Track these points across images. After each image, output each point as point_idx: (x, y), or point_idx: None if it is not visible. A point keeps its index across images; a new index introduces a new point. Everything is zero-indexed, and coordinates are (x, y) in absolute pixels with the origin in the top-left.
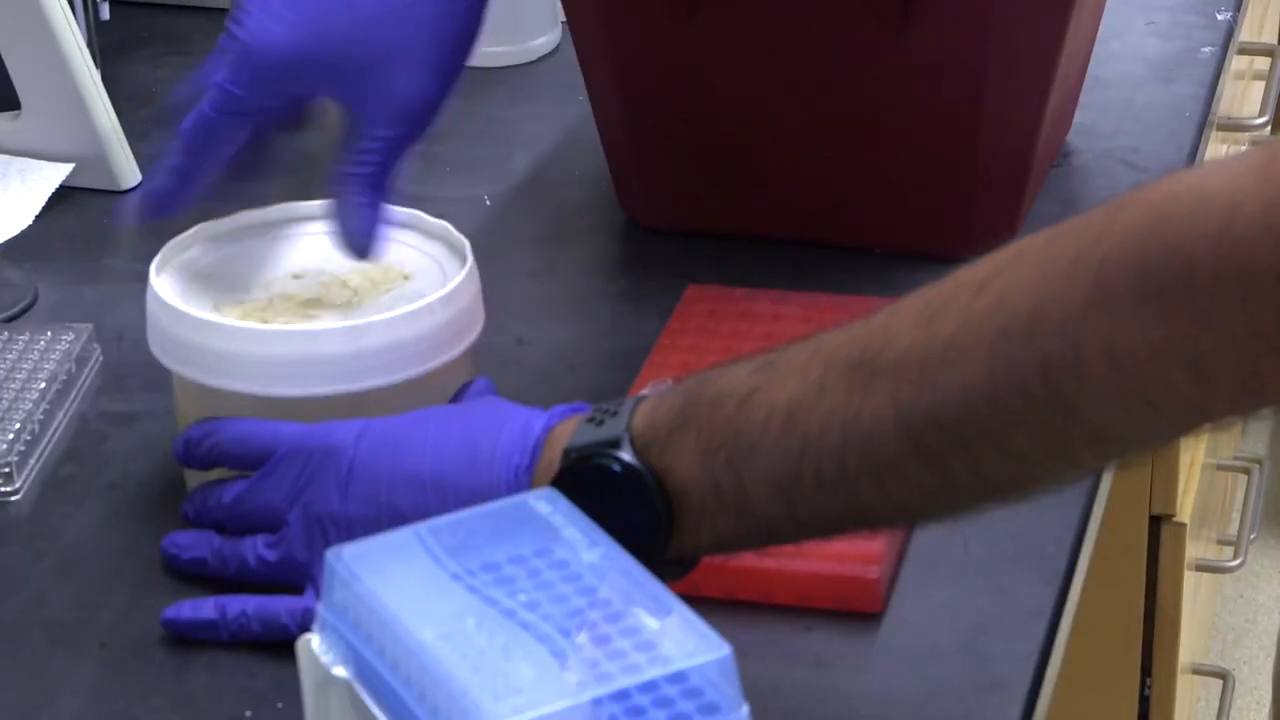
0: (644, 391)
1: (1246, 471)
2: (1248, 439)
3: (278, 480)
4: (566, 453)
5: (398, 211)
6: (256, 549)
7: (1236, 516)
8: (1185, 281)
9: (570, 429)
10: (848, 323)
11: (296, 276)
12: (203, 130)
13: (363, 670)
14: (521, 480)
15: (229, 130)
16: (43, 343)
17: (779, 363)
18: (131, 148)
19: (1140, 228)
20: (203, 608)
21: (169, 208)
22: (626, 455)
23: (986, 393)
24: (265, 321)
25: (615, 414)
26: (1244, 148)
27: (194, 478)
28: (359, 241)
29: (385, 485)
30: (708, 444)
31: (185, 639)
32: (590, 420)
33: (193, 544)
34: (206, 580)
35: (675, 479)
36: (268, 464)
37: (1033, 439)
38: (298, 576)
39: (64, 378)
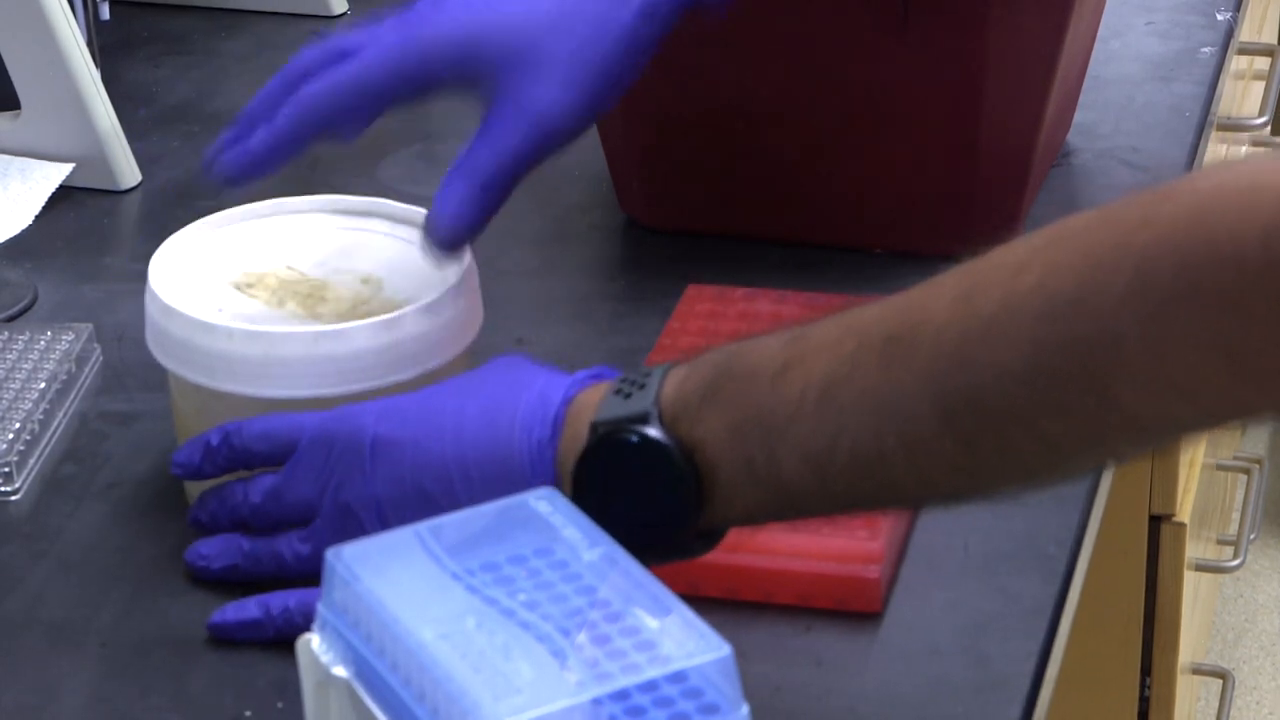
0: (668, 363)
1: (1246, 472)
2: (1248, 439)
3: (305, 471)
4: (594, 427)
5: (398, 210)
6: (292, 546)
7: (1236, 516)
8: (1229, 275)
9: (595, 400)
10: (878, 299)
11: (296, 271)
12: (334, 98)
13: (362, 670)
14: (545, 453)
15: (363, 103)
16: (43, 342)
17: (810, 336)
18: (131, 147)
19: (1185, 219)
20: (246, 608)
21: (261, 172)
22: (655, 431)
23: (1024, 374)
24: (267, 315)
25: (642, 386)
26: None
27: (195, 485)
28: (436, 228)
29: (409, 466)
30: (739, 419)
31: (185, 640)
32: (617, 392)
33: (220, 551)
34: (209, 580)
35: (706, 454)
36: (293, 456)
37: (1067, 424)
38: None
39: (64, 378)
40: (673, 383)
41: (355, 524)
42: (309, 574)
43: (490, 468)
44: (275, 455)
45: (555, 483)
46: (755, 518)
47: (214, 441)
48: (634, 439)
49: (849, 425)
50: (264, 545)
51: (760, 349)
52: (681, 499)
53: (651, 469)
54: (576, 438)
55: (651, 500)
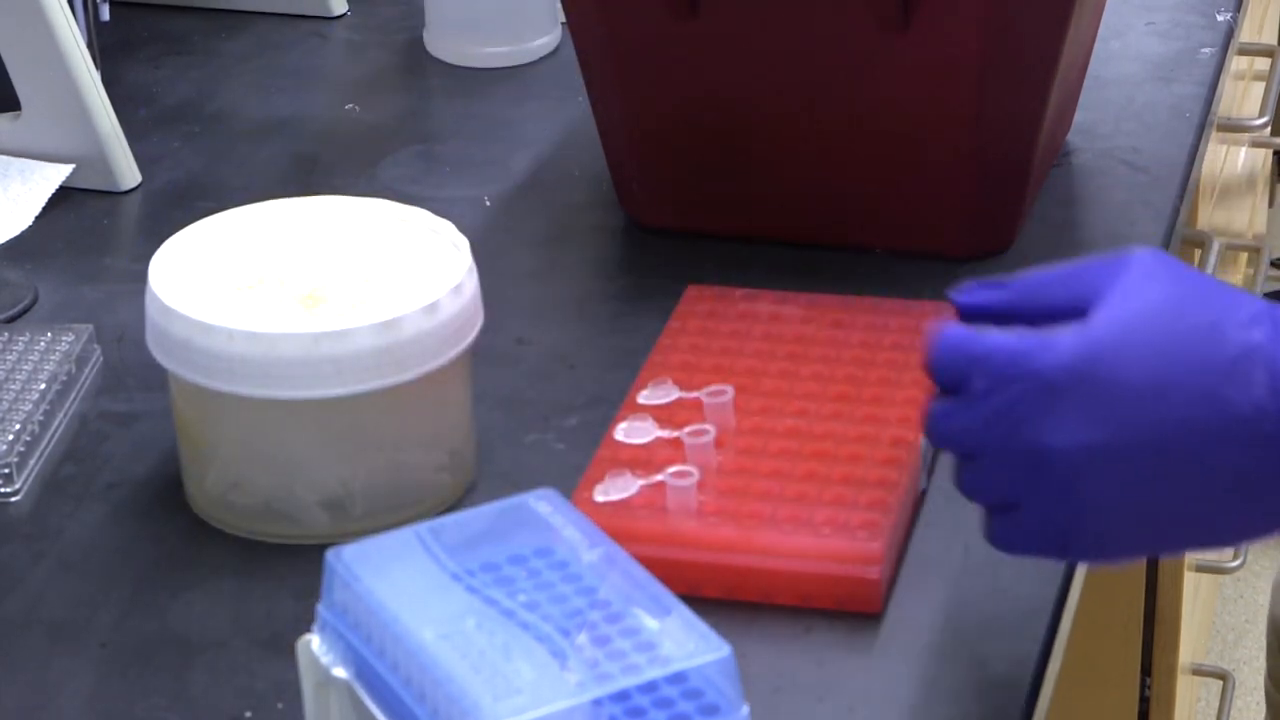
0: None
1: None
2: None
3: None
4: None
5: (399, 210)
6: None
7: None
8: None
9: None
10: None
11: (296, 272)
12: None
13: (363, 671)
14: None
15: None
16: (43, 343)
17: None
18: (131, 148)
19: None
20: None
21: None
22: None
23: None
24: (267, 316)
25: None
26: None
27: (196, 486)
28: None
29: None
30: None
31: (185, 640)
32: None
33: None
34: (217, 582)
35: None
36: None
37: None
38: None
39: (64, 378)
40: None
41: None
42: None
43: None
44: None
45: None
46: None
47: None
48: None
49: None
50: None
51: None
52: None
53: None
54: None
55: None
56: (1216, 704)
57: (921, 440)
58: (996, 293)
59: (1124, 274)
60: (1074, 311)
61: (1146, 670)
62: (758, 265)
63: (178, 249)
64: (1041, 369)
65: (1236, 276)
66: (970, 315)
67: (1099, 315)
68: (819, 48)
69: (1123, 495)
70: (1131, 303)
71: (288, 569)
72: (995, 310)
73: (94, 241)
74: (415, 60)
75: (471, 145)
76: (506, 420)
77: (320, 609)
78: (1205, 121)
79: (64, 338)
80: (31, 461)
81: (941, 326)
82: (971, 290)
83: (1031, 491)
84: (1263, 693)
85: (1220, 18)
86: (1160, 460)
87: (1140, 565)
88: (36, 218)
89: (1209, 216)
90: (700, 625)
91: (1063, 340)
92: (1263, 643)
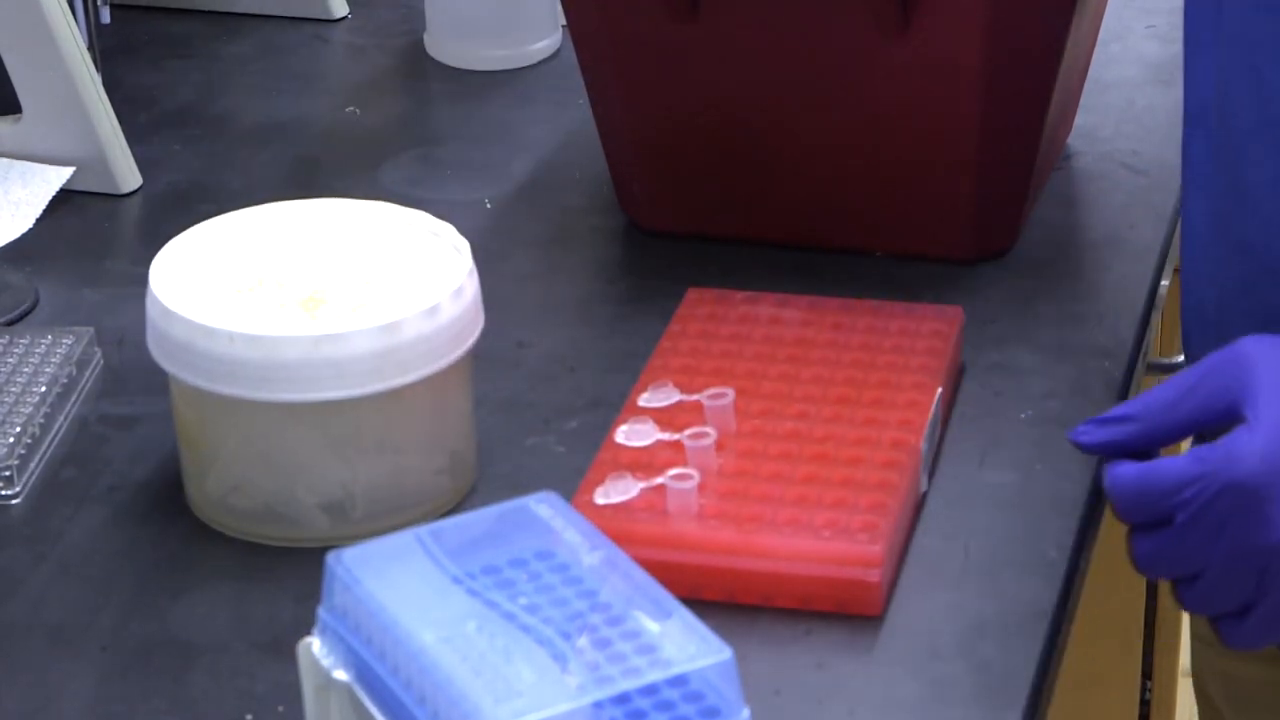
0: None
1: None
2: None
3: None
4: None
5: (399, 212)
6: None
7: None
8: None
9: None
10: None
11: (297, 274)
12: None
13: (363, 674)
14: None
15: None
16: (43, 346)
17: None
18: (132, 151)
19: None
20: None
21: None
22: None
23: None
24: (268, 319)
25: None
26: None
27: (197, 488)
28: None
29: None
30: None
31: (185, 643)
32: None
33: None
34: (217, 585)
35: None
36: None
37: None
38: None
39: (64, 381)
40: None
41: None
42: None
43: None
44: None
45: None
46: None
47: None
48: None
49: None
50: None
51: None
52: None
53: None
54: None
55: None
56: None
57: (921, 442)
58: (1127, 428)
59: (1258, 368)
60: (1221, 419)
61: (1147, 674)
62: (758, 268)
63: (178, 252)
64: (1239, 478)
65: None
66: (1112, 453)
67: (1264, 413)
68: (820, 51)
69: None
70: None
71: (288, 572)
72: (1135, 445)
73: (95, 244)
74: (416, 63)
75: (472, 148)
76: (507, 423)
77: (321, 612)
78: None
79: (64, 340)
80: (32, 464)
81: (1111, 470)
82: (1094, 430)
83: (1264, 591)
84: None
85: None
86: None
87: None
88: (37, 221)
89: None
90: (701, 628)
91: (1244, 446)
92: None
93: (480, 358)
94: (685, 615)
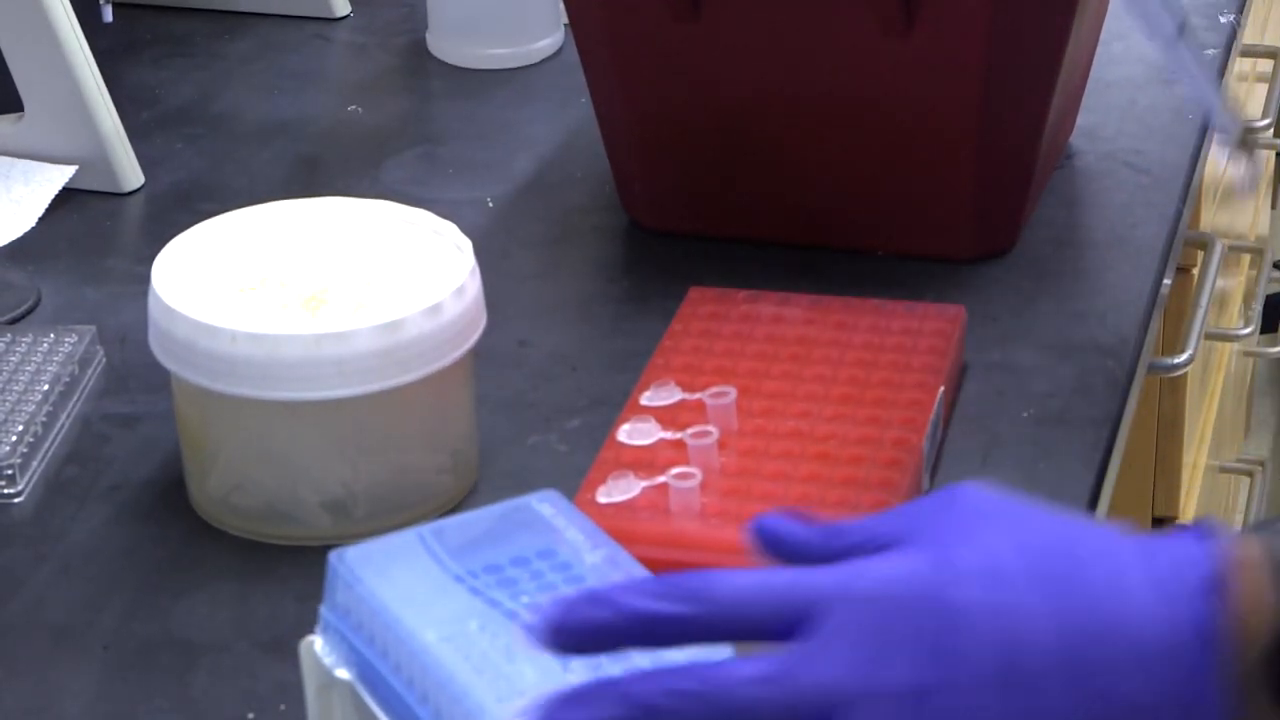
0: None
1: (1249, 474)
2: (1250, 442)
3: (838, 655)
4: None
5: (401, 211)
6: None
7: (1239, 519)
8: None
9: (1260, 555)
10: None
11: (298, 273)
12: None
13: (365, 672)
14: (1212, 632)
15: None
16: (45, 345)
17: None
18: (134, 149)
19: None
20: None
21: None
22: None
23: None
24: (270, 318)
25: None
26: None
27: (199, 487)
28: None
29: (1005, 649)
30: None
31: (188, 642)
32: None
33: None
34: (219, 584)
35: None
36: (810, 630)
37: None
38: None
39: (67, 380)
40: None
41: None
42: None
43: (1111, 665)
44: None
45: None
46: None
47: (665, 609)
48: None
49: None
50: None
51: None
52: None
53: None
54: (1258, 603)
55: None
56: None
57: (924, 441)
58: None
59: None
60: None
61: None
62: (760, 267)
63: (180, 250)
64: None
65: (1239, 279)
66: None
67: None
68: (822, 50)
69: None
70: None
71: (290, 571)
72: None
73: (97, 243)
74: (418, 62)
75: (474, 147)
76: (509, 422)
77: (323, 610)
78: (1208, 124)
79: (67, 339)
80: (34, 463)
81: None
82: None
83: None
84: None
85: (1223, 19)
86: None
87: None
88: (39, 219)
89: (1211, 218)
90: None
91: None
92: None
93: (482, 356)
94: None
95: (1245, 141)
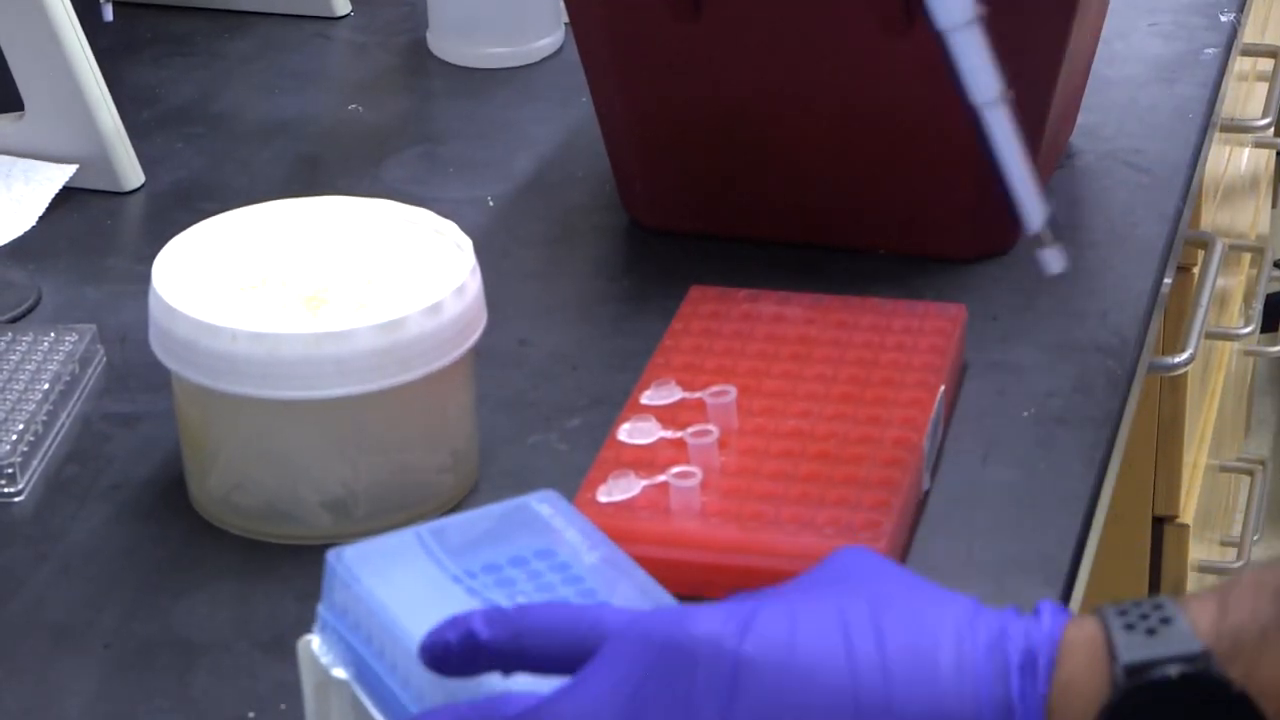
0: (1172, 596)
1: (1250, 473)
2: (1251, 441)
3: (601, 692)
4: (1127, 671)
5: (402, 210)
6: None
7: (1240, 518)
8: None
9: (1094, 637)
10: None
11: (299, 272)
12: None
13: (362, 672)
14: (1031, 704)
15: None
16: (46, 344)
17: None
18: (135, 148)
19: None
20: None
21: None
22: (1217, 673)
23: None
24: (270, 316)
25: (1166, 620)
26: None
27: (202, 490)
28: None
29: (794, 710)
30: None
31: (188, 641)
32: (1129, 628)
33: None
34: (220, 584)
35: (1269, 703)
36: (591, 666)
37: None
38: None
39: (67, 379)
40: (1207, 617)
41: None
42: None
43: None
44: (560, 659)
45: None
46: None
47: (488, 633)
48: (1195, 684)
49: None
50: None
51: None
52: None
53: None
54: (1079, 687)
55: None
56: None
57: (924, 440)
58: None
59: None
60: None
61: None
62: (760, 266)
63: (181, 249)
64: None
65: (1239, 278)
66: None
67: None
68: (822, 49)
69: None
70: None
71: (291, 570)
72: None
73: (97, 242)
74: (418, 61)
75: (474, 146)
76: (509, 421)
77: (320, 609)
78: (1208, 122)
79: (67, 338)
80: (35, 462)
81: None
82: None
83: None
84: None
85: (1223, 18)
86: None
87: (1143, 567)
88: (40, 218)
89: (1212, 217)
90: None
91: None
92: None
93: (482, 355)
94: None
95: (1048, 231)
